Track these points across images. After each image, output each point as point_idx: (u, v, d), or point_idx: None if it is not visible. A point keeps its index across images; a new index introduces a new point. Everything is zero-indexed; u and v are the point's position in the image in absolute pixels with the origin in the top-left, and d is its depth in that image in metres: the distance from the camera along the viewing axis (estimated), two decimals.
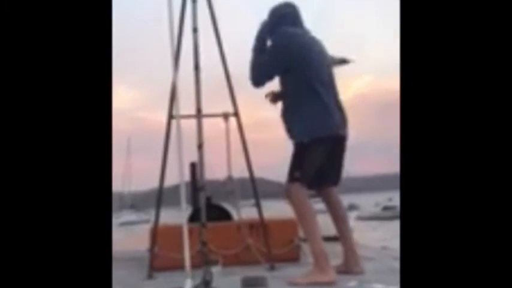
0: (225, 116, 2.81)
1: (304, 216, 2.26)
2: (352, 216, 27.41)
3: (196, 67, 2.51)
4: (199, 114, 2.44)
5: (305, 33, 2.42)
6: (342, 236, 2.40)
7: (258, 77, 2.41)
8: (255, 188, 2.78)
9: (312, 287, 2.14)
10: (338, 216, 2.42)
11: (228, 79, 2.76)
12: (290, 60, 2.31)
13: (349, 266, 2.35)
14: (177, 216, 2.27)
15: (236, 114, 2.77)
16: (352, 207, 37.72)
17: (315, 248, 2.23)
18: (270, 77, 2.41)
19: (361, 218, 26.90)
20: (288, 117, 2.39)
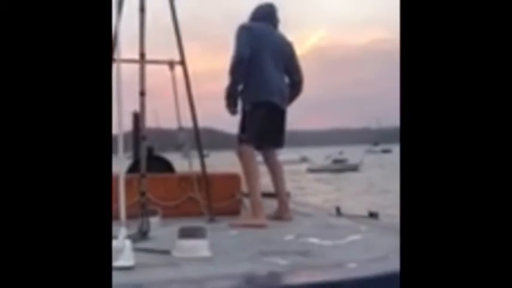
0: (171, 64, 2.68)
1: (248, 173, 2.66)
2: (303, 168, 28.11)
3: (142, 9, 2.37)
4: (142, 60, 2.33)
5: (268, 28, 2.80)
6: (277, 189, 2.81)
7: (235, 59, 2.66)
8: (198, 141, 2.73)
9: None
10: (275, 174, 2.83)
11: (176, 24, 2.62)
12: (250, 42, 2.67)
13: (280, 214, 2.77)
14: (114, 165, 2.20)
15: (182, 62, 2.66)
16: (303, 159, 38.85)
17: (253, 199, 2.63)
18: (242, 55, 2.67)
19: (311, 170, 27.83)
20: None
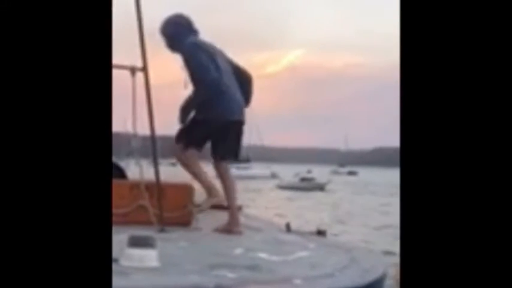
0: (132, 70, 2.67)
1: (196, 172, 2.81)
2: (272, 184, 28.49)
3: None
4: None
5: (203, 42, 2.83)
6: (228, 202, 2.83)
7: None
8: (154, 149, 2.71)
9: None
10: (226, 186, 2.86)
11: (140, 29, 2.61)
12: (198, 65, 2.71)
13: (230, 227, 2.75)
14: None
15: (144, 68, 2.65)
16: (273, 176, 39.14)
17: (204, 183, 2.83)
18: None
19: (280, 187, 28.07)
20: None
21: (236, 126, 2.82)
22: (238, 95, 2.82)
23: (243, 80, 2.89)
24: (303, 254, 2.22)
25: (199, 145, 2.81)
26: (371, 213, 15.61)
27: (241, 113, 2.83)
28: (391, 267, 2.11)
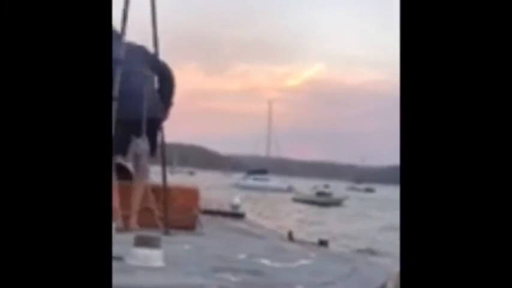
0: None
1: None
2: (288, 197, 28.19)
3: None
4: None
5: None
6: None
7: None
8: (163, 150, 2.75)
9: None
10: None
11: (155, 39, 2.69)
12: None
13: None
14: None
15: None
16: (289, 189, 39.03)
17: None
18: None
19: (296, 200, 27.96)
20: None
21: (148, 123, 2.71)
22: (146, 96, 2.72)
23: (163, 78, 2.87)
24: (305, 262, 2.22)
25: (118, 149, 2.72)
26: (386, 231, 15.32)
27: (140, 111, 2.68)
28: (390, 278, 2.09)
